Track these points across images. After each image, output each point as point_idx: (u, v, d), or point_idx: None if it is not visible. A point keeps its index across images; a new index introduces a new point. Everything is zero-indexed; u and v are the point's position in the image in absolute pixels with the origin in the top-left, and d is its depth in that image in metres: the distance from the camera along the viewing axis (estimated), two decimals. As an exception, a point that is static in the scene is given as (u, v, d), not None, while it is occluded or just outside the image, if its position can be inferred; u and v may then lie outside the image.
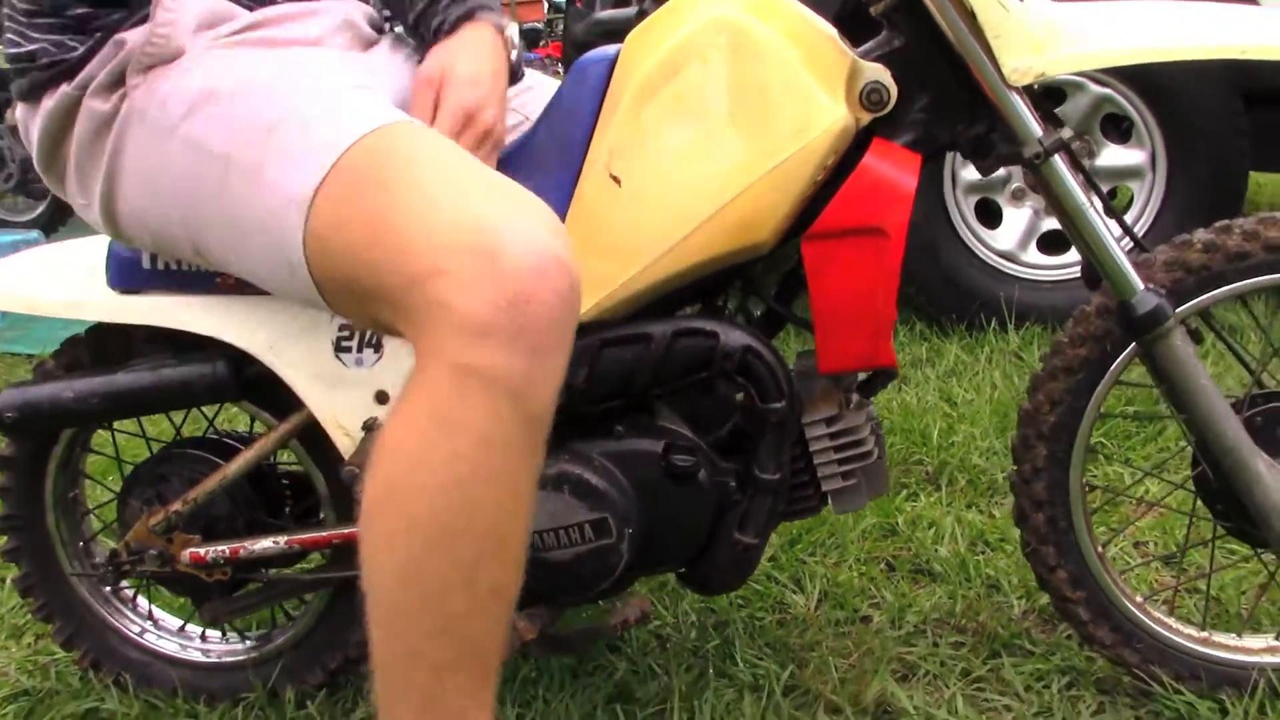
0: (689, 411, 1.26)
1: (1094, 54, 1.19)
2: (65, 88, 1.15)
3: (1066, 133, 1.19)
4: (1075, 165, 1.22)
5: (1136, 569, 1.67)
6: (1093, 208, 1.22)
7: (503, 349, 0.91)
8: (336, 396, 1.29)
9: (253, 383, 1.34)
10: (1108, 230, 1.22)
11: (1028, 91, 1.19)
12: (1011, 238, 2.96)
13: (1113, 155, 2.88)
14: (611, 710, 1.42)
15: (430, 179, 0.99)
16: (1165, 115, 2.78)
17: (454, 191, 0.98)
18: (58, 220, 5.83)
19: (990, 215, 2.99)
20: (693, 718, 1.39)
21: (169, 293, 1.32)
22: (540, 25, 23.78)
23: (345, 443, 1.29)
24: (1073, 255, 2.92)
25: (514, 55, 1.27)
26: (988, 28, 1.15)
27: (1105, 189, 2.95)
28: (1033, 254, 2.96)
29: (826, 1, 1.25)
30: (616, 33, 3.25)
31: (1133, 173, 2.87)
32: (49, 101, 1.17)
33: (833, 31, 1.21)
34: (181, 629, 1.61)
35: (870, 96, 1.18)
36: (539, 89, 1.40)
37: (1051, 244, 2.96)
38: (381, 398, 1.29)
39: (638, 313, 1.23)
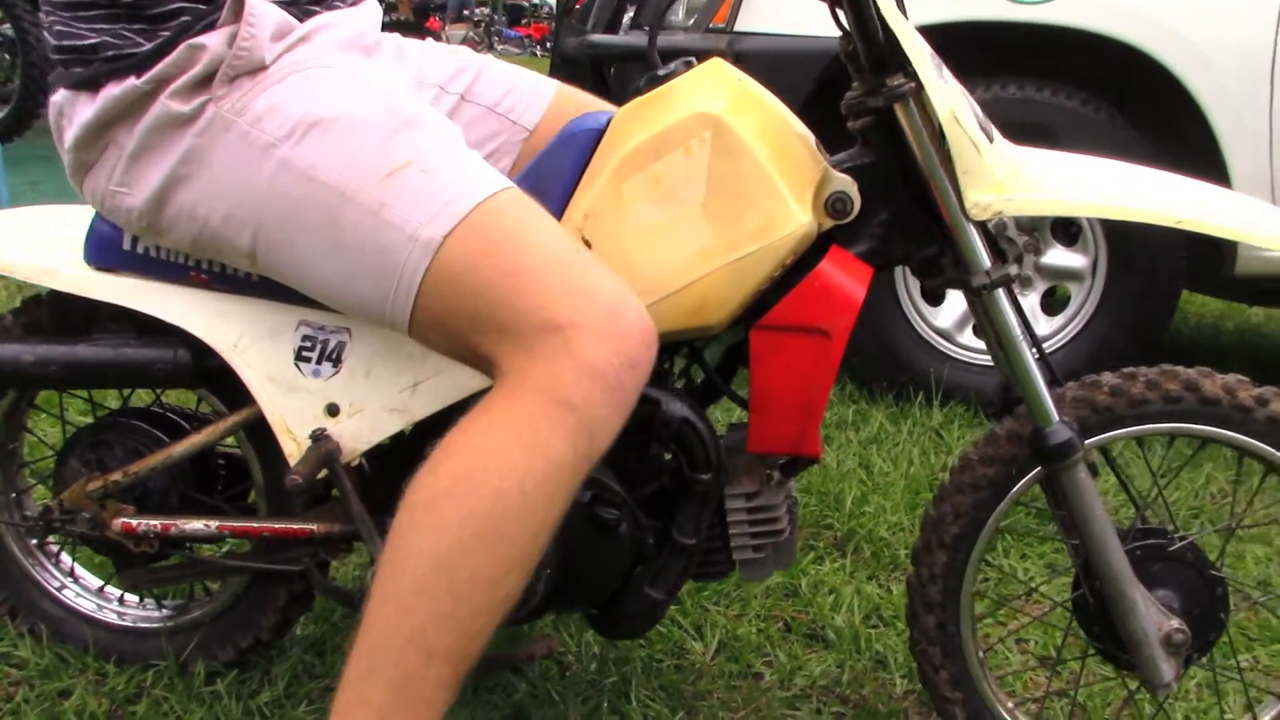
0: (620, 467, 1.33)
1: (1048, 201, 1.29)
2: (134, 80, 1.19)
3: (1013, 269, 1.28)
4: (1012, 300, 1.31)
5: (1014, 671, 1.77)
6: (1023, 339, 1.30)
7: (600, 395, 1.08)
8: (290, 402, 1.34)
9: (210, 372, 1.37)
10: (1034, 362, 1.30)
11: (982, 225, 1.28)
12: (951, 317, 3.07)
13: (1057, 255, 3.01)
14: (506, 730, 1.49)
15: (550, 243, 1.15)
16: (1111, 226, 2.90)
17: (576, 257, 1.15)
18: (13, 130, 5.72)
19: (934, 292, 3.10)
20: (582, 750, 1.47)
21: (143, 277, 1.36)
22: (524, 4, 23.67)
23: (291, 447, 1.34)
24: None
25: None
26: (958, 162, 1.24)
27: (1045, 287, 3.08)
28: (967, 336, 3.07)
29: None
30: (605, 58, 3.32)
31: (1073, 275, 3.00)
32: (114, 89, 1.20)
33: (810, 136, 1.30)
34: (101, 589, 1.65)
35: (835, 205, 1.27)
36: (486, 73, 1.50)
37: (987, 329, 3.08)
38: (332, 410, 1.33)
39: None
